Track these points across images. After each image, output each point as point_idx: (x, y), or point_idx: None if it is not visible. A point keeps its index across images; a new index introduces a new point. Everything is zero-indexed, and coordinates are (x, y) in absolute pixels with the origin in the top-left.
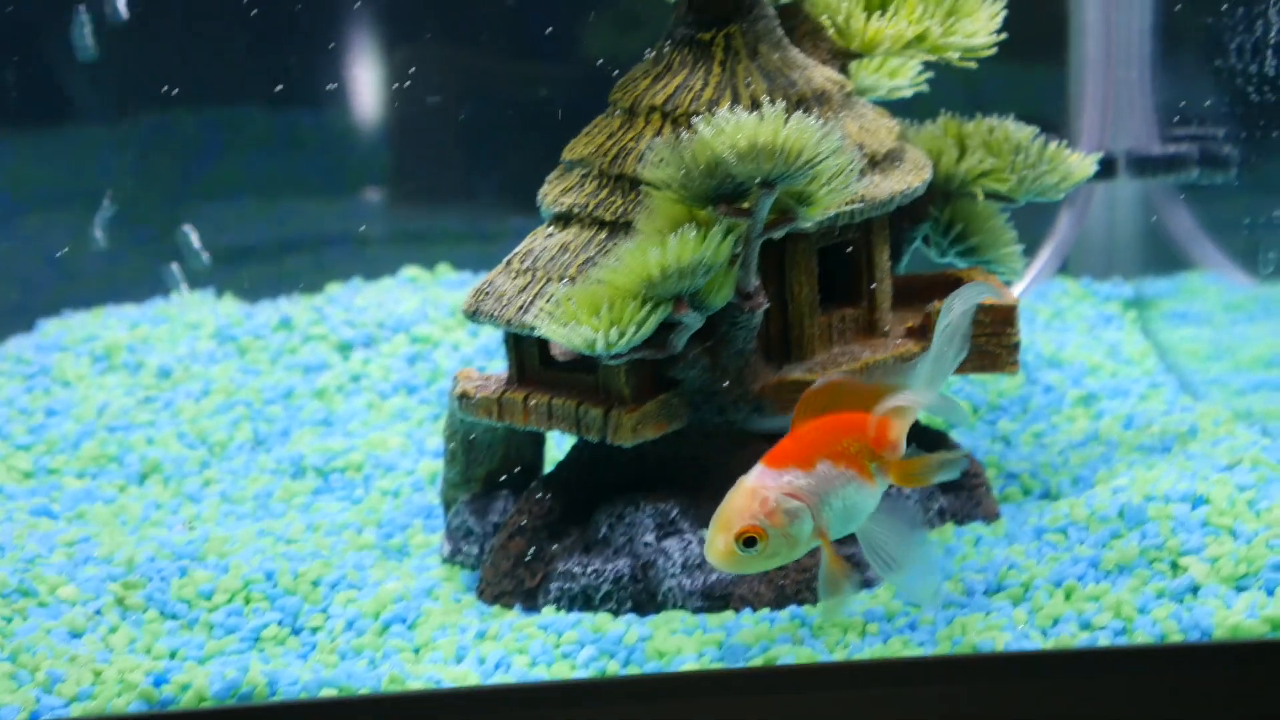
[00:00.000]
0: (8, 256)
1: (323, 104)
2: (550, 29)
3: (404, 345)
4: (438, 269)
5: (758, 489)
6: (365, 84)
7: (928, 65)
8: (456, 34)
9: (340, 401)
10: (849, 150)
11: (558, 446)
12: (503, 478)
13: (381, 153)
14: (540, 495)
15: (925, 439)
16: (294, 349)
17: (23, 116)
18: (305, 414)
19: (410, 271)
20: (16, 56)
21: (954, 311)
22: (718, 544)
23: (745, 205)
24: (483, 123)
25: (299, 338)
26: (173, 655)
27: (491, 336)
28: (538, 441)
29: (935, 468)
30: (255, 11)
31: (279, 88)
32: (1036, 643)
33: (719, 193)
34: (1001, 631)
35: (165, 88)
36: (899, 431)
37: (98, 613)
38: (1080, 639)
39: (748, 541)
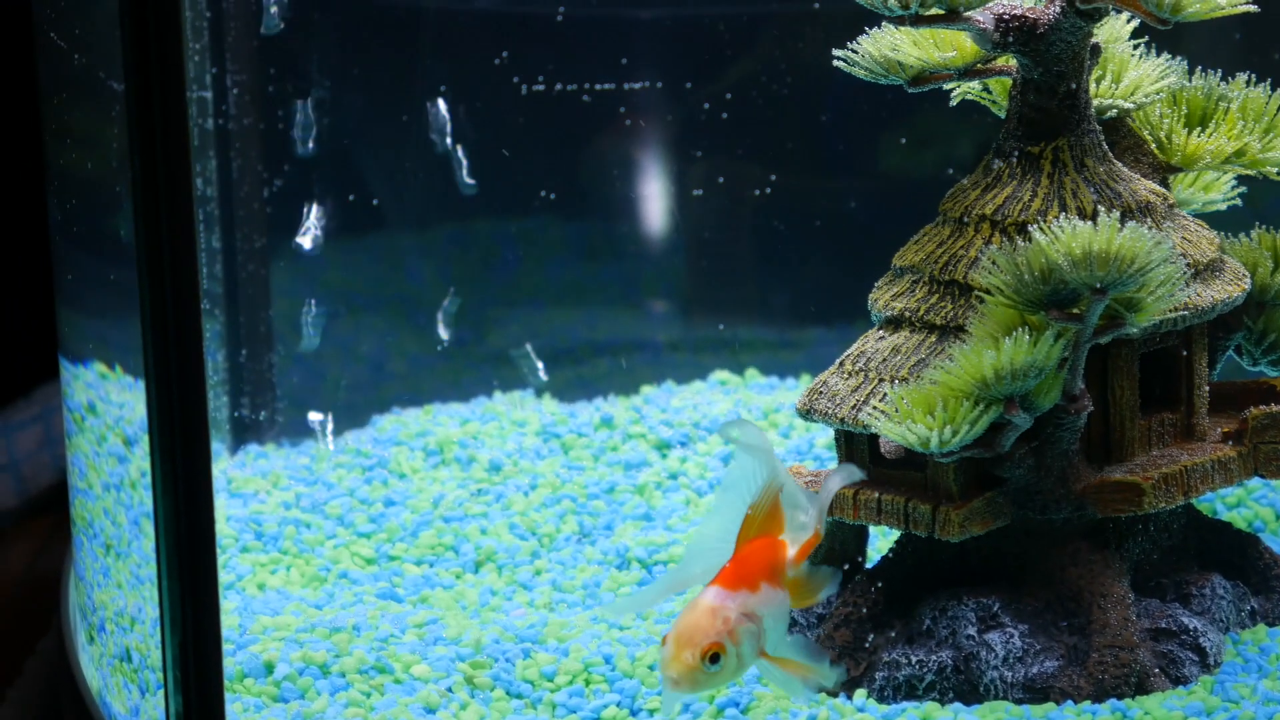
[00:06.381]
0: (333, 357)
1: (623, 215)
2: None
3: (718, 445)
4: (747, 374)
5: (718, 609)
6: (663, 195)
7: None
8: (760, 151)
9: (659, 498)
10: (1177, 259)
11: (871, 544)
12: (845, 567)
13: (682, 263)
14: (868, 587)
15: (1235, 541)
16: (615, 447)
17: (339, 228)
18: (627, 509)
19: (720, 375)
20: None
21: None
22: (684, 659)
23: (1076, 311)
24: (781, 235)
25: (620, 436)
26: None
27: (802, 437)
28: (861, 536)
29: (817, 587)
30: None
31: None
32: None
33: (1052, 298)
34: None
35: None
36: (801, 552)
37: (449, 690)
38: None
39: (713, 658)
